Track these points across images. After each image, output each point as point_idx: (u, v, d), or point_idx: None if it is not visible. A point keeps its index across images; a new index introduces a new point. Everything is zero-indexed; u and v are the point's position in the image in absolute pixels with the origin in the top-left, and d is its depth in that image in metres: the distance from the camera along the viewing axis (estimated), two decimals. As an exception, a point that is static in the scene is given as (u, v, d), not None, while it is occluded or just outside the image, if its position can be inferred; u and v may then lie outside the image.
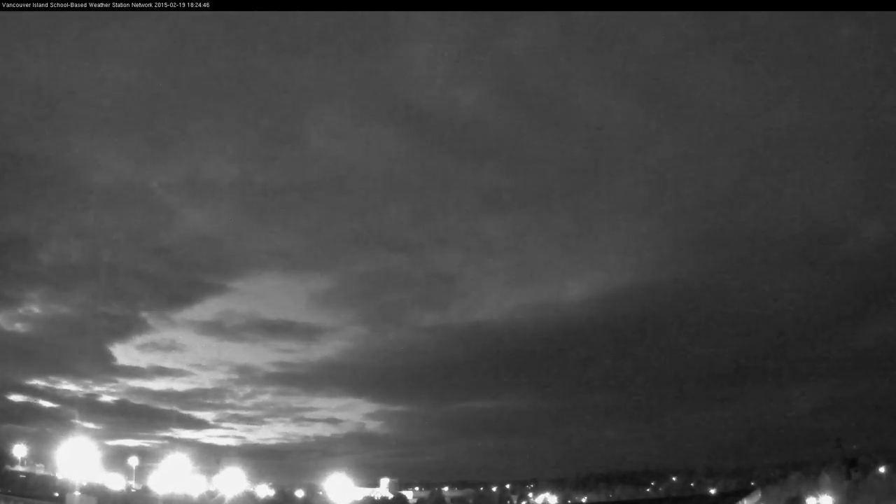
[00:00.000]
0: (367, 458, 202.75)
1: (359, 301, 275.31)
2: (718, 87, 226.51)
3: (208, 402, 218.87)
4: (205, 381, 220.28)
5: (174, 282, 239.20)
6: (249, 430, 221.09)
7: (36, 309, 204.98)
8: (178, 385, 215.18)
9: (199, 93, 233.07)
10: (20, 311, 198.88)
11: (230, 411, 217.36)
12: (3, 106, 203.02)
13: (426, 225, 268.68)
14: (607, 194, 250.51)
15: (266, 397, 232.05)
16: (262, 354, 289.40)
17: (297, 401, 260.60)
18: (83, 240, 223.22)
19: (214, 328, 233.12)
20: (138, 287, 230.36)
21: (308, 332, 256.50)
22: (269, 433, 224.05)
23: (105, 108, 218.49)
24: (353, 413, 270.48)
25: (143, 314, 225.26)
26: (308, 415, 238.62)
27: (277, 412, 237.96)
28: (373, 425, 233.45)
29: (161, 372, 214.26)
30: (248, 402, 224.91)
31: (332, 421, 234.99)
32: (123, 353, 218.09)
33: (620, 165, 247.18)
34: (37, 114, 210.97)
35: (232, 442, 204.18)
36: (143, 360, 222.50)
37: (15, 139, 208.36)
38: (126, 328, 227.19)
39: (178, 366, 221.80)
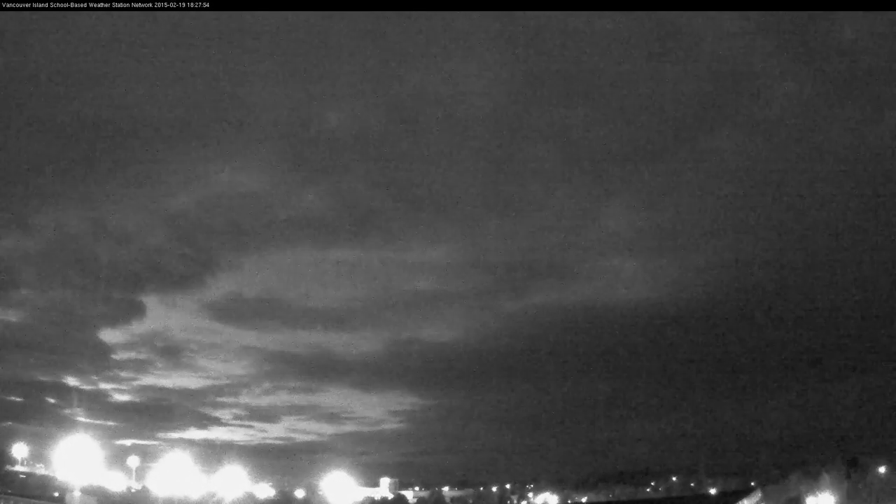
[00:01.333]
0: (370, 457, 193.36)
1: (393, 283, 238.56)
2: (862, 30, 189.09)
3: (220, 399, 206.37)
4: (217, 376, 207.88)
5: (181, 258, 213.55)
6: (261, 429, 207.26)
7: (31, 295, 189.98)
8: (187, 381, 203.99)
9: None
10: (13, 296, 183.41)
11: (241, 410, 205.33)
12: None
13: (496, 192, 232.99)
14: (701, 154, 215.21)
15: (282, 394, 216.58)
16: (279, 345, 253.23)
17: (311, 398, 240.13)
18: (85, 210, 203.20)
19: (224, 315, 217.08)
20: (141, 266, 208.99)
21: (333, 320, 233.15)
22: (280, 431, 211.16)
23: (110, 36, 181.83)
24: (372, 410, 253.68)
25: (144, 298, 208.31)
26: (323, 412, 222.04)
27: (290, 410, 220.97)
28: (392, 422, 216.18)
29: (168, 367, 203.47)
30: (263, 401, 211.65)
31: (347, 419, 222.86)
32: (124, 344, 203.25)
33: (727, 119, 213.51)
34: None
35: (242, 440, 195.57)
36: (146, 352, 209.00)
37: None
38: (126, 315, 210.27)
39: (186, 359, 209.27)
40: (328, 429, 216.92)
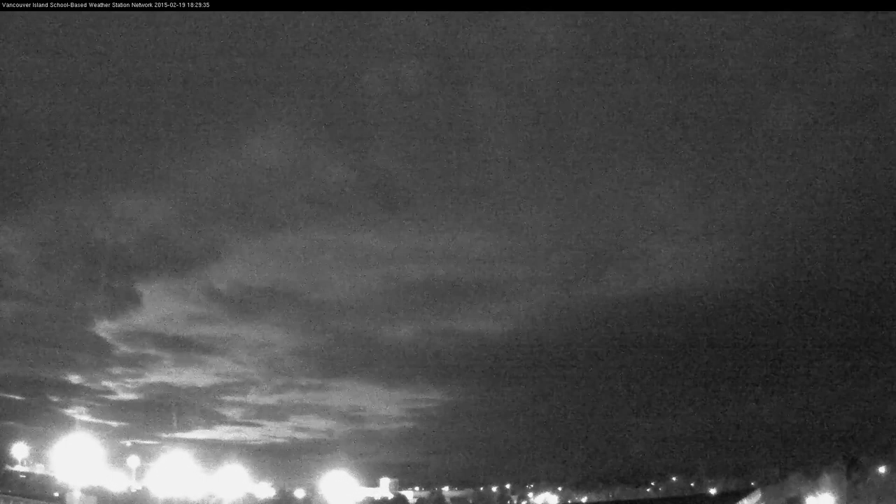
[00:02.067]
0: (371, 458, 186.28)
1: (420, 271, 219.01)
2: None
3: (227, 398, 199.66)
4: (226, 373, 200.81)
5: (187, 242, 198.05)
6: (268, 429, 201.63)
7: (28, 284, 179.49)
8: (193, 379, 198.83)
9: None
10: (10, 286, 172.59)
11: (248, 409, 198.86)
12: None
13: (539, 172, 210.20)
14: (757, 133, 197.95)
15: (294, 392, 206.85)
16: (293, 339, 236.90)
17: (323, 395, 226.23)
18: (85, 190, 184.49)
19: (233, 306, 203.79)
20: (143, 251, 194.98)
21: (353, 311, 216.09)
22: (287, 430, 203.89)
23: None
24: (387, 407, 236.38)
25: (147, 287, 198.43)
26: (333, 411, 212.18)
27: (300, 409, 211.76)
28: (405, 421, 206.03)
29: (173, 364, 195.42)
30: (272, 399, 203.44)
31: (358, 417, 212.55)
32: (125, 338, 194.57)
33: (786, 97, 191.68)
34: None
35: (246, 439, 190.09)
36: (149, 346, 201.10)
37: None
38: (126, 306, 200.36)
39: (189, 355, 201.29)
40: (336, 427, 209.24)
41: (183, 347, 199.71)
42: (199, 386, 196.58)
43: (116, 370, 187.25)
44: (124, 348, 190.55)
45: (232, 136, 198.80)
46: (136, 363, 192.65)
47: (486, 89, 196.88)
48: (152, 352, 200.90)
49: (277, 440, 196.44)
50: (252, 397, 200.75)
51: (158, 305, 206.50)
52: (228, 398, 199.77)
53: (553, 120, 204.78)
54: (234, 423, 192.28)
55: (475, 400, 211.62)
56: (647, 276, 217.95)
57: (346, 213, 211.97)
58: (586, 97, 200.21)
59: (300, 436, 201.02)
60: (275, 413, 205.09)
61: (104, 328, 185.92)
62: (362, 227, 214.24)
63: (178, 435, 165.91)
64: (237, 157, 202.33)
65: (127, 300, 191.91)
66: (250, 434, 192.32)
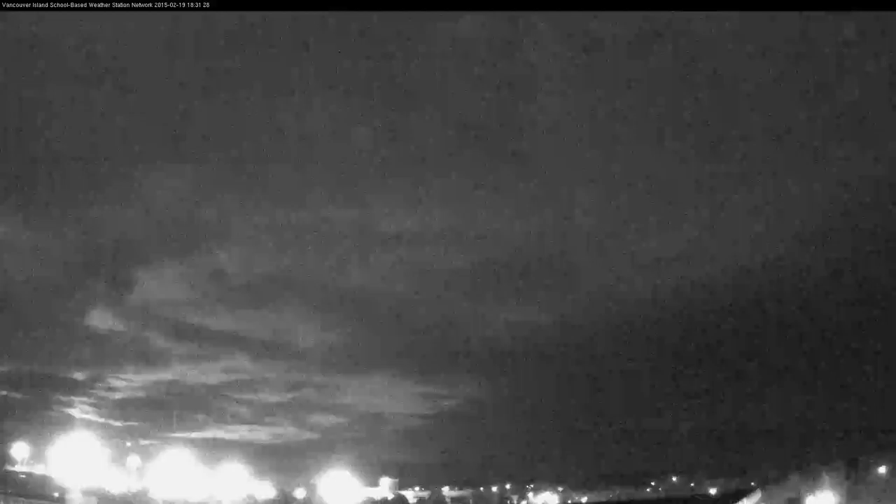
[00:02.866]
0: (370, 457, 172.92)
1: (454, 255, 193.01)
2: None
3: (237, 395, 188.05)
4: (236, 370, 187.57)
5: (192, 220, 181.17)
6: (274, 428, 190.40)
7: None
8: (201, 377, 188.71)
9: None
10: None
11: (256, 408, 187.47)
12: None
13: (592, 144, 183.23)
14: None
15: (307, 390, 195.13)
16: (307, 331, 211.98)
17: (335, 393, 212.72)
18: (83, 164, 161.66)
19: (241, 299, 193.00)
20: (145, 234, 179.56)
21: (375, 303, 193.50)
22: (293, 430, 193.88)
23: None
24: (404, 405, 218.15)
25: (150, 277, 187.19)
26: (348, 409, 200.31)
27: (308, 408, 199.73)
28: (424, 419, 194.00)
29: (175, 361, 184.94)
30: (286, 397, 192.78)
31: (375, 416, 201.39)
32: (125, 332, 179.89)
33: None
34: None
35: (250, 439, 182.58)
36: (150, 341, 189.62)
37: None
38: (125, 297, 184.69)
39: (197, 348, 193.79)
40: (349, 426, 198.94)
41: (191, 341, 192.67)
42: (209, 383, 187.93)
43: (121, 366, 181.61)
44: (128, 342, 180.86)
45: (256, 101, 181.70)
46: (141, 358, 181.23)
47: (545, 41, 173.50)
48: (159, 345, 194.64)
49: (284, 439, 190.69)
50: (264, 395, 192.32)
51: (163, 295, 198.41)
52: (239, 396, 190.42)
53: (614, 84, 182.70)
54: (245, 421, 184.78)
55: (501, 396, 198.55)
56: (668, 268, 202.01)
57: (371, 188, 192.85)
58: (651, 61, 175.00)
59: (309, 435, 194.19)
60: (287, 412, 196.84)
61: (106, 320, 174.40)
62: (389, 205, 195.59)
63: (183, 434, 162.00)
64: (259, 124, 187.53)
65: (128, 288, 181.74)
66: (258, 433, 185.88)
